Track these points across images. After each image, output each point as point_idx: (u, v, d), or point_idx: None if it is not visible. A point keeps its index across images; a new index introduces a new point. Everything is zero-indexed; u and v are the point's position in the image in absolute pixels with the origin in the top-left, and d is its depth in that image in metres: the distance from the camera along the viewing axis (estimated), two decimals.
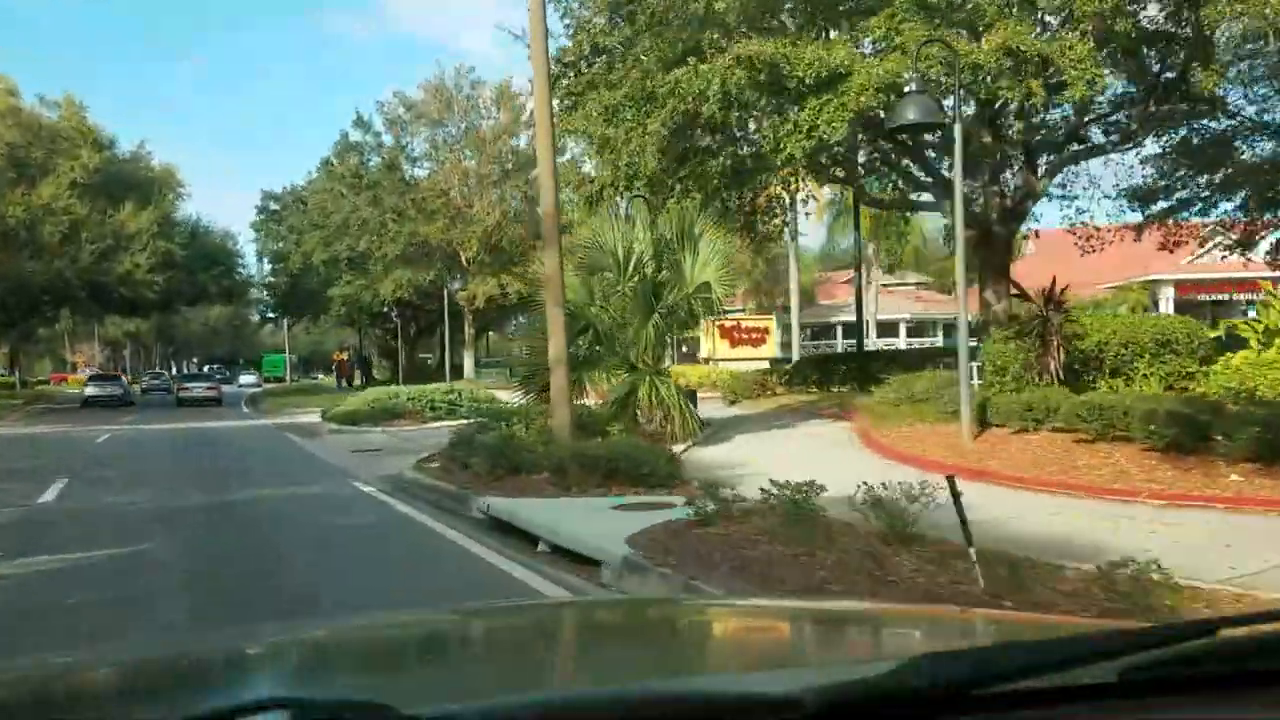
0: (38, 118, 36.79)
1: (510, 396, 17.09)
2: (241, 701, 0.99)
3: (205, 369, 72.49)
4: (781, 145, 12.61)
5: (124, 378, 48.63)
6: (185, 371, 69.78)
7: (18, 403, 39.86)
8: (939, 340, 39.59)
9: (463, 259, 45.00)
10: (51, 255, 34.47)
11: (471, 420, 15.95)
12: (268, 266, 53.55)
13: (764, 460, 11.07)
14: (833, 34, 14.24)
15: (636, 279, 14.26)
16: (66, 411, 36.29)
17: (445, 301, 34.68)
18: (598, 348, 14.77)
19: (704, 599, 4.22)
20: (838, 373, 22.27)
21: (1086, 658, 1.11)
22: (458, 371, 49.47)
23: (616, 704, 1.06)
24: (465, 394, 25.24)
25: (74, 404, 42.42)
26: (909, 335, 41.88)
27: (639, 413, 13.81)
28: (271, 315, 60.31)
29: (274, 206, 52.96)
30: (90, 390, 38.76)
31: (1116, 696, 1.10)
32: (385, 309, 50.64)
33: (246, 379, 60.57)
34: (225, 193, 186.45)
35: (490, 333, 57.59)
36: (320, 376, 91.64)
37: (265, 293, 55.53)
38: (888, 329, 41.39)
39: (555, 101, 14.40)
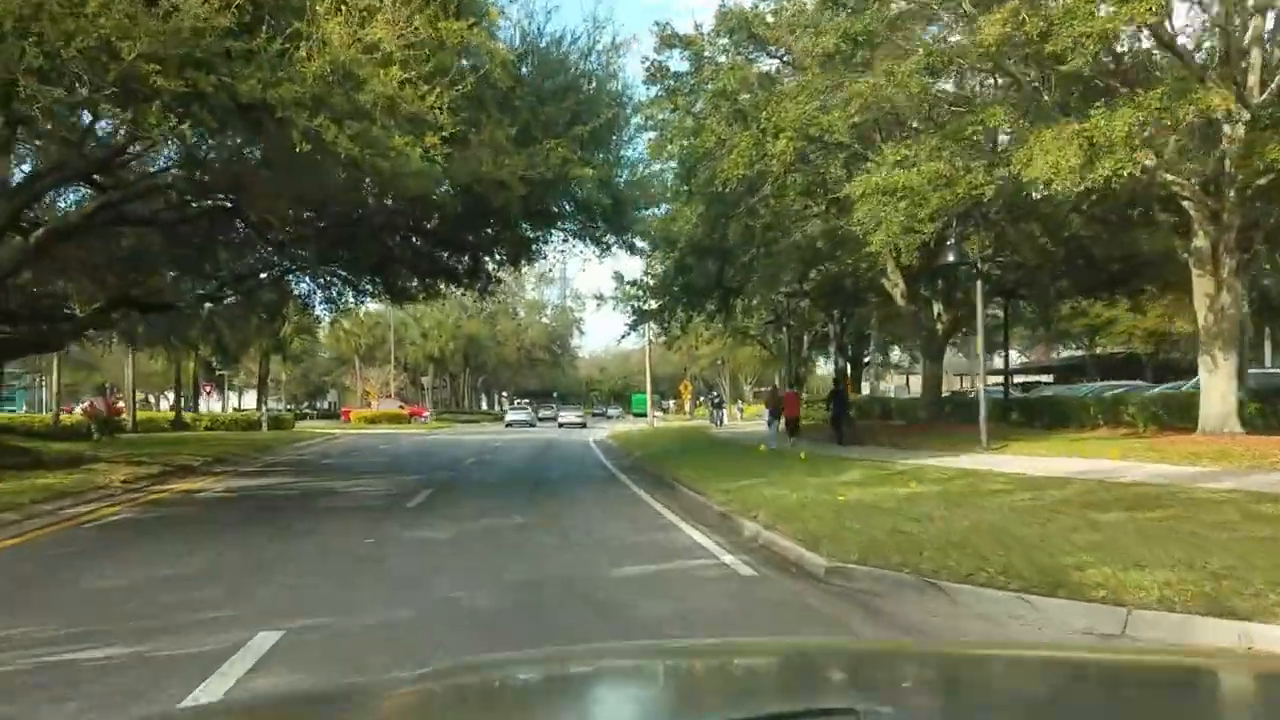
0: None
1: None
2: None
3: (515, 403, 73.66)
4: None
5: (530, 406, 65.45)
6: (513, 404, 72.82)
7: (207, 461, 15.56)
8: None
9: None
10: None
11: None
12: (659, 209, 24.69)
13: None
14: None
15: None
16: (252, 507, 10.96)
17: None
18: None
19: None
20: None
21: None
22: (1111, 414, 19.73)
23: None
24: None
25: (317, 468, 20.20)
26: None
27: None
28: (647, 307, 32.82)
29: (680, 67, 25.74)
30: (510, 417, 56.53)
31: None
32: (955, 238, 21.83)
33: (614, 411, 76.19)
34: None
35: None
36: (658, 415, 66.54)
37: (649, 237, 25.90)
38: None
39: None
